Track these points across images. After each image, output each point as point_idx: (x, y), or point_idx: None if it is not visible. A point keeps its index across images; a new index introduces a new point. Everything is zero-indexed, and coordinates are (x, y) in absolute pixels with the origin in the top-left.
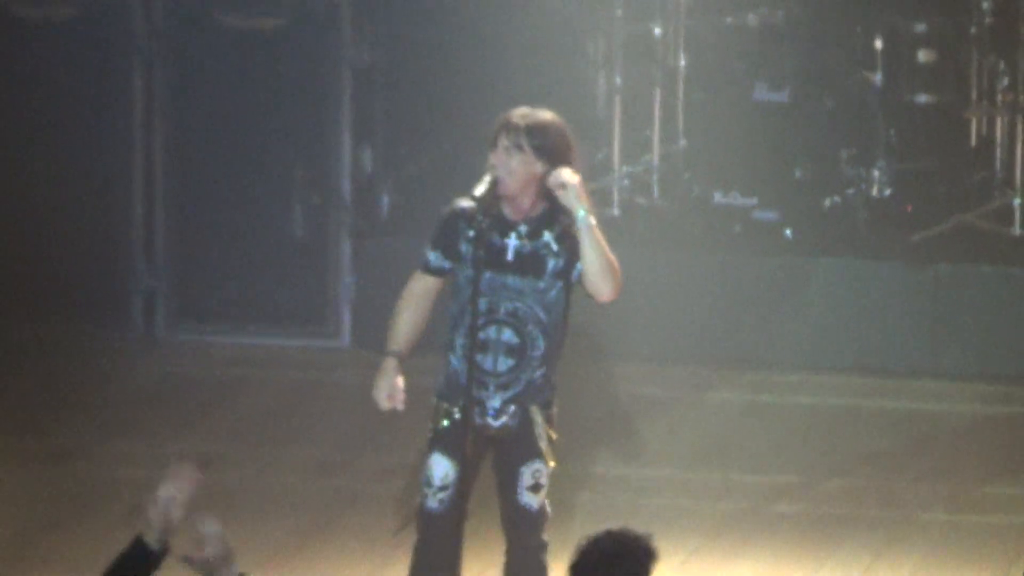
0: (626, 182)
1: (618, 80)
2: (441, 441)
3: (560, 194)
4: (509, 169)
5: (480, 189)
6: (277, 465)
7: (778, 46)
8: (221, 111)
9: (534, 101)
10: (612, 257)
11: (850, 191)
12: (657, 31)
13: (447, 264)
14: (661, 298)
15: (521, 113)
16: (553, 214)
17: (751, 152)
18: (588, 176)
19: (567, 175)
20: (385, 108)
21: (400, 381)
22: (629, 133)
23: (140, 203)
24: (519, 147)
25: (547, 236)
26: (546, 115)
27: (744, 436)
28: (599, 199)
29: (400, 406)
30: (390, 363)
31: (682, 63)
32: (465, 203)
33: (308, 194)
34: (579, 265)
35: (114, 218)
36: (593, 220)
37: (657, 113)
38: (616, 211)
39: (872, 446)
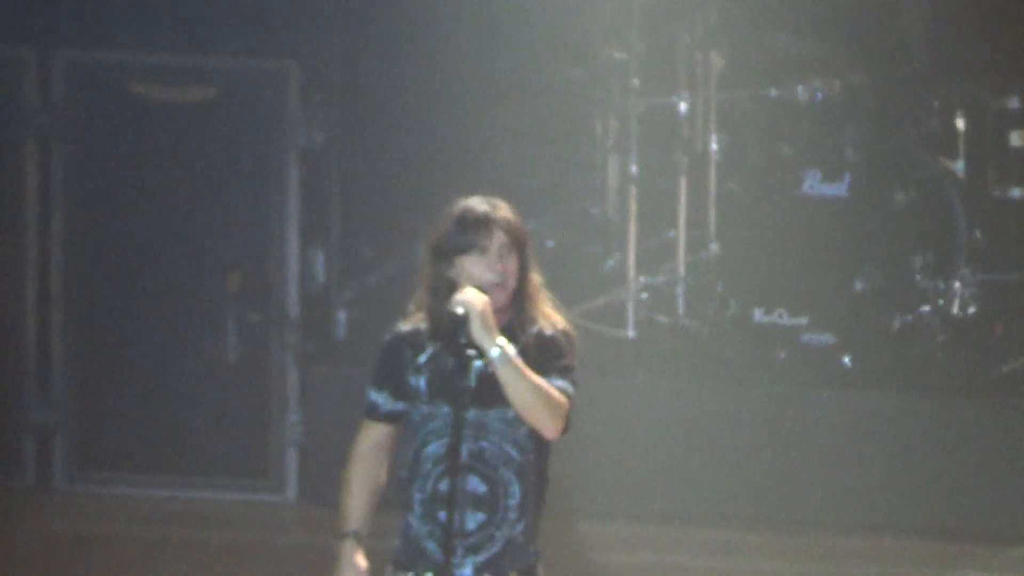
0: (644, 296)
1: (633, 168)
2: None
3: (451, 323)
4: (507, 274)
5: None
6: None
7: (835, 126)
8: (135, 202)
9: (530, 192)
10: (544, 384)
11: (925, 308)
12: (682, 106)
13: (400, 406)
14: (686, 442)
15: (489, 204)
16: (516, 324)
17: (800, 259)
18: (598, 289)
19: (472, 297)
20: (342, 200)
21: (365, 568)
22: (648, 235)
23: (32, 317)
24: (512, 246)
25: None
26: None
27: None
28: (611, 316)
29: None
30: (348, 548)
31: (714, 146)
32: (407, 327)
33: (245, 308)
34: (555, 380)
35: (0, 340)
36: (511, 351)
37: (683, 210)
38: (631, 332)
39: None
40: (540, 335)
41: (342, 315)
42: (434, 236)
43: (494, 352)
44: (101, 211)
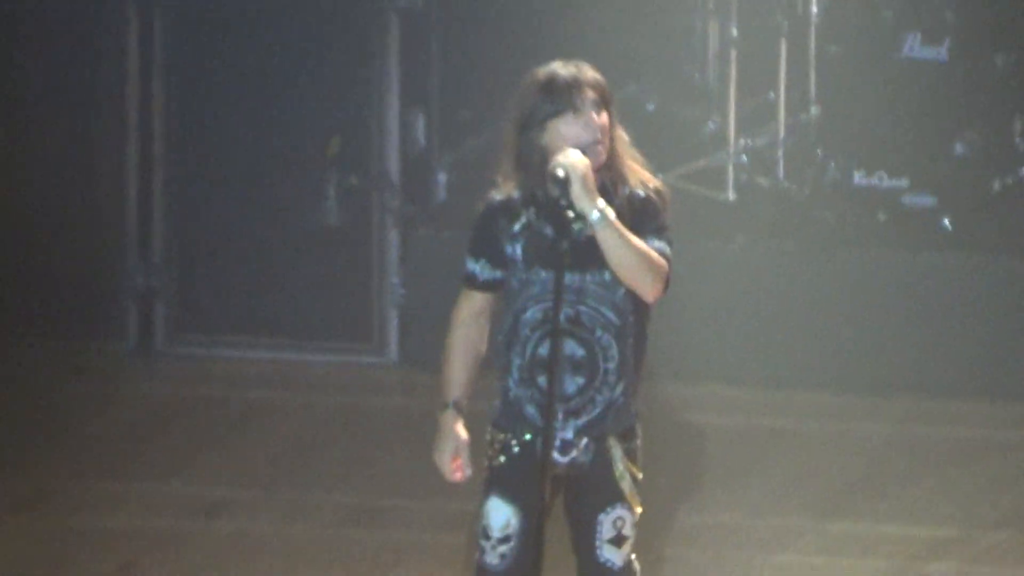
0: (744, 159)
1: (734, 31)
2: (499, 482)
3: (555, 186)
4: (603, 131)
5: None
6: (307, 512)
7: None
8: (234, 70)
9: (630, 56)
10: (643, 246)
11: None
12: None
13: (497, 274)
14: (785, 305)
15: (573, 66)
16: (609, 185)
17: (900, 122)
18: (698, 151)
19: (574, 159)
20: (442, 64)
21: (465, 439)
22: (748, 98)
23: (134, 184)
24: (601, 104)
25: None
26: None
27: (891, 477)
28: (711, 179)
29: (469, 471)
30: (448, 418)
31: (814, 9)
32: (500, 195)
33: (345, 173)
34: (653, 241)
35: (103, 204)
36: (611, 214)
37: (783, 73)
38: (731, 195)
39: None
40: (633, 195)
41: (442, 178)
42: (520, 105)
43: (595, 215)
44: (201, 76)
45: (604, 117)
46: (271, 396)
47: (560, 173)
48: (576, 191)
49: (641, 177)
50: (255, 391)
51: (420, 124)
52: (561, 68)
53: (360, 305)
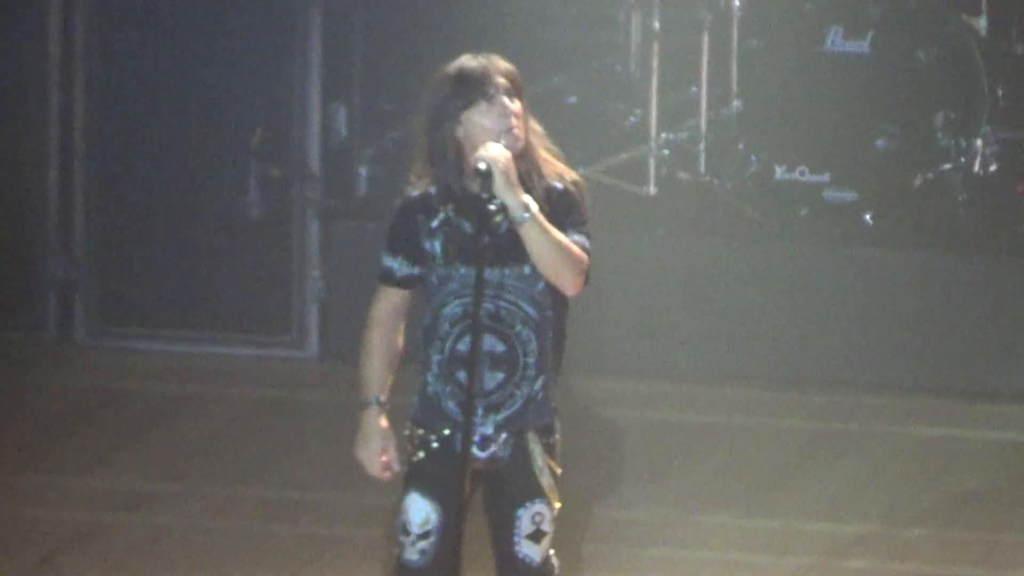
0: (666, 153)
1: (656, 24)
2: (419, 478)
3: (477, 179)
4: (518, 119)
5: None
6: (226, 506)
7: None
8: (156, 60)
9: (552, 49)
10: (565, 240)
11: (946, 166)
12: None
13: (415, 270)
14: (706, 299)
15: (483, 58)
16: (527, 177)
17: (822, 116)
18: (619, 145)
19: (495, 152)
20: (364, 55)
21: (389, 435)
22: (670, 91)
23: (55, 175)
24: (514, 93)
25: None
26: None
27: (811, 473)
28: (632, 173)
29: (397, 467)
30: (372, 415)
31: (736, 3)
32: (416, 191)
33: (266, 164)
34: (573, 235)
35: (22, 192)
36: (534, 207)
37: (705, 66)
38: (652, 189)
39: (970, 487)
40: (551, 188)
41: (363, 171)
42: (431, 100)
43: (519, 209)
44: (122, 64)
45: (518, 105)
46: (191, 389)
47: (482, 166)
48: (499, 185)
49: (557, 169)
50: (175, 384)
51: (341, 116)
52: (470, 59)
53: (280, 298)
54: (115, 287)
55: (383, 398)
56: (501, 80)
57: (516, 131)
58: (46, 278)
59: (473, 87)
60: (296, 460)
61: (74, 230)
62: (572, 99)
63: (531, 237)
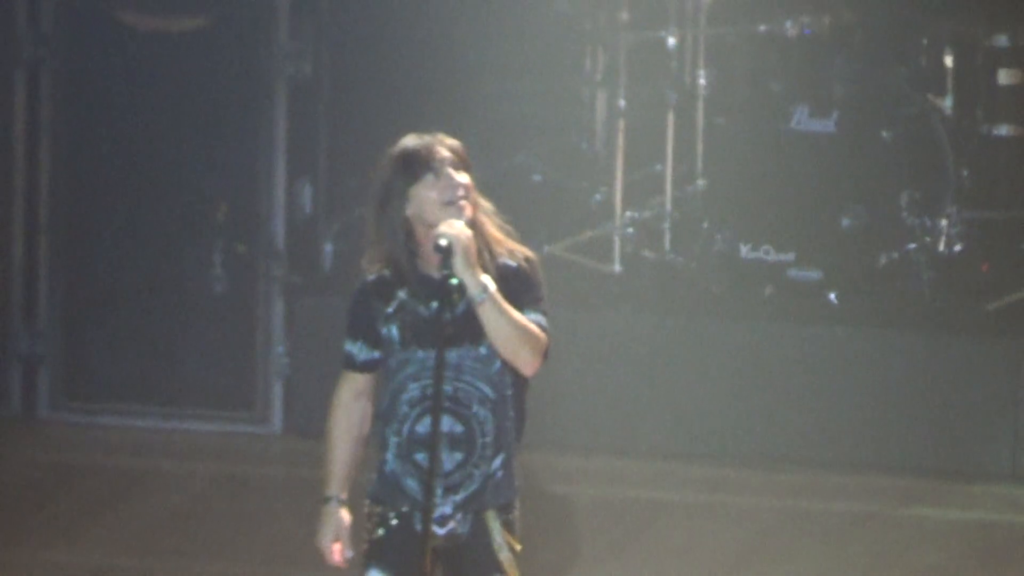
0: (630, 231)
1: (622, 102)
2: (378, 555)
3: (437, 254)
4: (466, 190)
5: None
6: None
7: (823, 62)
8: (123, 134)
9: (517, 126)
10: (524, 321)
11: (911, 246)
12: (671, 41)
13: (375, 354)
14: (670, 377)
15: (427, 135)
16: (479, 254)
17: (787, 195)
18: (584, 223)
19: (457, 229)
20: (330, 132)
21: (347, 524)
22: (635, 169)
23: (20, 249)
24: (460, 165)
25: None
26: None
27: (776, 551)
28: (597, 251)
29: (350, 554)
30: (328, 511)
31: (702, 81)
32: (372, 275)
33: (231, 239)
34: (530, 314)
35: None
36: (492, 287)
37: (670, 144)
38: (617, 267)
39: (932, 564)
40: (505, 266)
41: (329, 247)
42: (379, 183)
43: (477, 290)
44: (89, 141)
45: (466, 177)
46: (154, 464)
47: (443, 242)
48: (459, 265)
49: (508, 246)
50: (138, 459)
51: (307, 192)
52: (414, 138)
53: (244, 374)
54: (79, 362)
55: (343, 496)
56: (446, 153)
57: (463, 201)
58: (10, 352)
59: (418, 162)
60: (259, 536)
61: (38, 305)
62: (537, 176)
63: (489, 317)
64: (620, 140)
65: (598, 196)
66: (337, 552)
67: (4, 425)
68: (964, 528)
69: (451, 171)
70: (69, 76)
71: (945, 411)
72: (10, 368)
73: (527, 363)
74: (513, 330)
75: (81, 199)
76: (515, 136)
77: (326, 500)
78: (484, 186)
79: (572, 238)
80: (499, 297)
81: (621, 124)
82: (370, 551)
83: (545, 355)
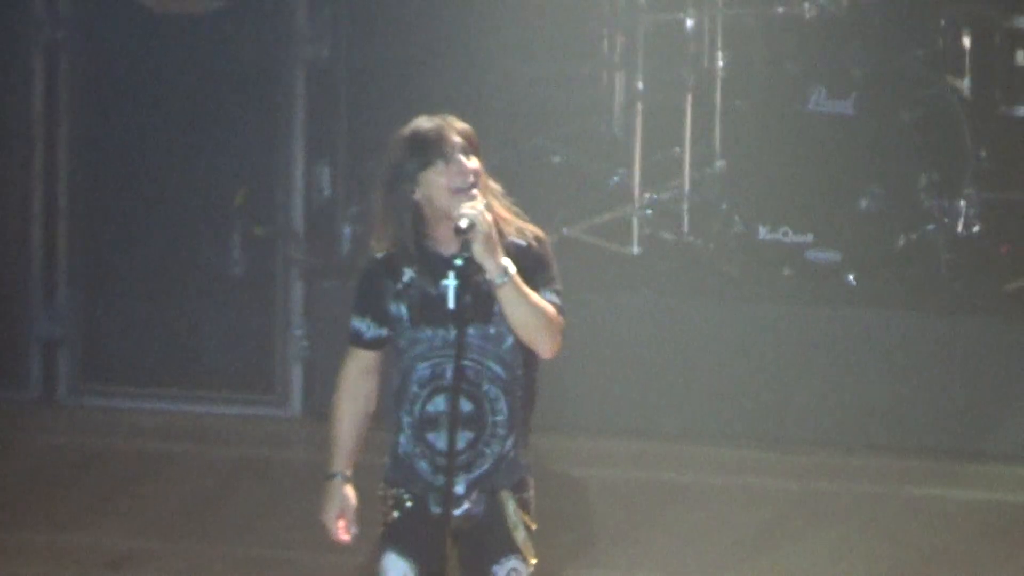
0: (649, 213)
1: (640, 85)
2: (395, 538)
3: (460, 236)
4: (476, 176)
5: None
6: (209, 564)
7: (841, 43)
8: (141, 117)
9: (536, 109)
10: (542, 303)
11: (929, 227)
12: (689, 23)
13: (383, 332)
14: (689, 359)
15: (438, 118)
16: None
17: (805, 177)
18: (603, 205)
19: (478, 212)
20: (348, 115)
21: (351, 500)
22: (653, 151)
23: (39, 230)
24: (470, 150)
25: None
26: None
27: (791, 533)
28: (615, 233)
29: (355, 530)
30: (332, 487)
31: (720, 63)
32: (381, 253)
33: (250, 222)
34: (546, 294)
35: (6, 249)
36: (512, 269)
37: (688, 126)
38: (636, 249)
39: (950, 542)
40: (515, 245)
41: (347, 230)
42: (388, 165)
43: (498, 273)
44: (107, 124)
45: (475, 162)
46: (174, 447)
47: (463, 224)
48: (479, 249)
49: (517, 225)
50: (158, 442)
51: (326, 175)
52: (425, 121)
53: (263, 357)
54: (98, 345)
55: (348, 473)
56: (457, 138)
57: (474, 188)
58: (29, 336)
59: (429, 147)
60: (278, 519)
61: (57, 289)
62: (556, 159)
63: (509, 301)
64: (638, 122)
65: (616, 178)
66: (342, 528)
67: (24, 408)
68: (982, 508)
69: (461, 157)
70: (87, 59)
71: (963, 392)
72: (30, 351)
73: (546, 346)
74: (532, 314)
75: (100, 182)
76: (533, 119)
77: (330, 476)
78: (502, 169)
79: (590, 220)
80: (519, 280)
81: (639, 106)
82: (386, 534)
83: (561, 335)
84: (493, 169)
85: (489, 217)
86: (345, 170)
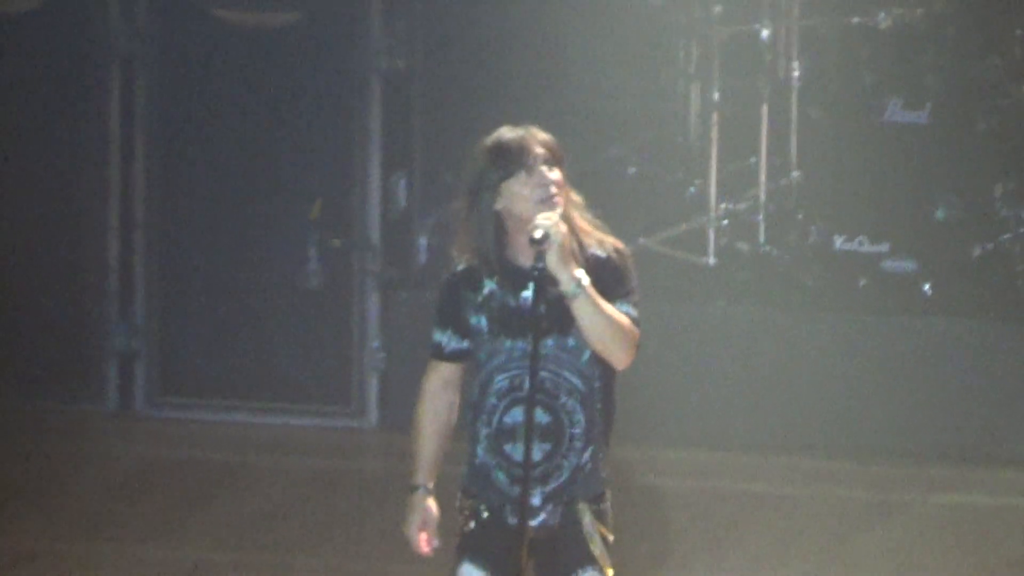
0: (725, 223)
1: (716, 95)
2: (471, 548)
3: (535, 247)
4: (558, 187)
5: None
6: (285, 575)
7: (917, 53)
8: (218, 129)
9: (612, 120)
10: (617, 315)
11: (1006, 236)
12: (765, 33)
13: (464, 344)
14: (765, 370)
15: (521, 129)
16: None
17: (882, 186)
18: (679, 215)
19: (553, 221)
20: (424, 127)
21: (434, 513)
22: (729, 162)
23: (116, 246)
24: (553, 162)
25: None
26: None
27: (871, 543)
28: (691, 243)
29: (436, 542)
30: (416, 499)
31: (795, 73)
32: (462, 265)
33: (326, 235)
34: (622, 306)
35: (83, 262)
36: (586, 280)
37: (764, 137)
38: (711, 259)
39: None
40: (594, 257)
41: (423, 241)
42: (471, 174)
43: (571, 285)
44: (183, 137)
45: (557, 174)
46: (250, 459)
47: (538, 234)
48: (553, 260)
49: (597, 236)
50: (234, 454)
51: (402, 187)
52: (508, 131)
53: (340, 368)
54: (175, 357)
55: (430, 486)
56: (539, 150)
57: (556, 200)
58: (106, 349)
59: (511, 158)
60: (355, 530)
61: (134, 301)
62: (632, 170)
63: (583, 312)
64: (714, 132)
65: (692, 189)
66: (424, 541)
67: (101, 420)
68: None
69: (544, 169)
70: (164, 72)
71: None
72: (107, 363)
73: (619, 358)
74: (606, 325)
75: (176, 194)
76: (610, 129)
77: (413, 489)
78: (579, 179)
79: (667, 231)
80: (593, 291)
81: (715, 116)
82: (462, 544)
83: (636, 348)
84: (569, 179)
85: (564, 228)
86: (421, 181)
